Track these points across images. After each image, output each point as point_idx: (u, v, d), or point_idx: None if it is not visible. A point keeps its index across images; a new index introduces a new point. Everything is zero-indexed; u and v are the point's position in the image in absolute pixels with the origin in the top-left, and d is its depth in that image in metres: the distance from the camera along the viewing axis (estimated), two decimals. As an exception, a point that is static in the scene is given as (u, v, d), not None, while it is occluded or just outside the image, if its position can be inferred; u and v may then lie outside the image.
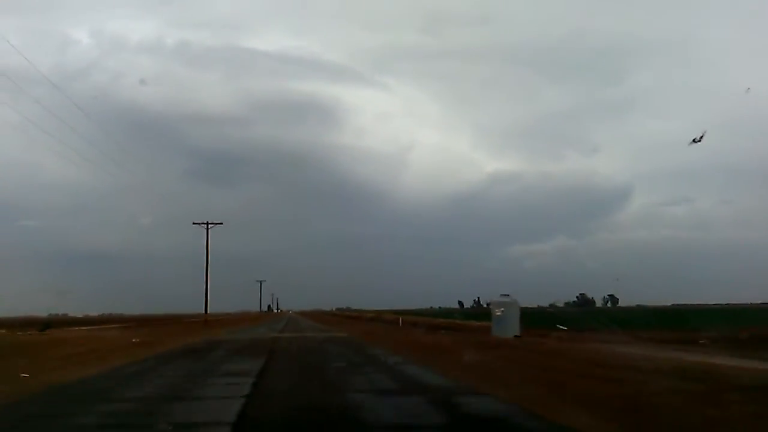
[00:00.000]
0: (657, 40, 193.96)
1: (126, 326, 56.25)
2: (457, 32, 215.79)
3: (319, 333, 40.02)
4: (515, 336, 29.56)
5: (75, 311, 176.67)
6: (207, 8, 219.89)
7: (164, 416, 9.10)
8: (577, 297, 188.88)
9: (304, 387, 12.66)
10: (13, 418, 9.35)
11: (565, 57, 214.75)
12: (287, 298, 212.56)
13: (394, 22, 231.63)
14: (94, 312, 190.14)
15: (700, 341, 26.22)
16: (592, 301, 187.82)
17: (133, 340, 30.70)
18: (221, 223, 59.06)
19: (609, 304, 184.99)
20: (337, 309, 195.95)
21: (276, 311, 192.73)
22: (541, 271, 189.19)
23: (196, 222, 59.02)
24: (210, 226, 58.68)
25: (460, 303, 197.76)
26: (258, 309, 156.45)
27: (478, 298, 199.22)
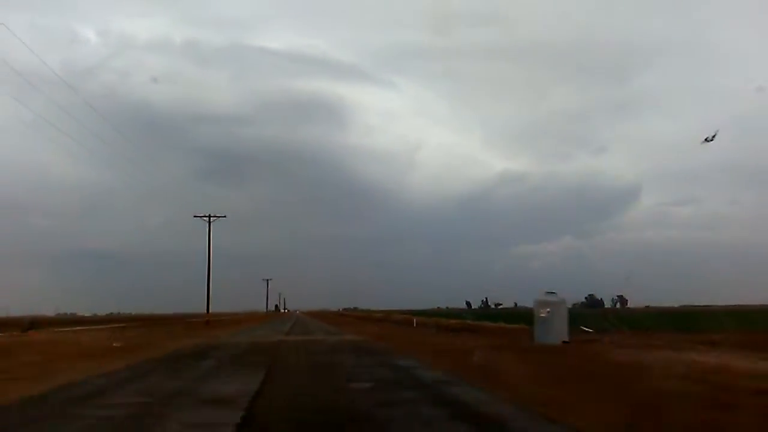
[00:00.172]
0: (666, 40, 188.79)
1: (123, 327, 51.40)
2: (465, 31, 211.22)
3: (329, 335, 34.92)
4: (563, 342, 24.47)
5: (83, 310, 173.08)
6: (215, 7, 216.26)
7: None
8: (585, 298, 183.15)
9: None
10: None
11: (574, 56, 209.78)
12: (294, 298, 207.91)
13: (402, 20, 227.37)
14: (102, 311, 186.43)
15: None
16: (601, 302, 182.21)
17: (114, 344, 25.73)
18: (224, 216, 54.27)
19: (618, 305, 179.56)
20: (344, 309, 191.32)
21: (283, 311, 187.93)
22: (549, 272, 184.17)
23: (197, 215, 54.13)
24: (213, 219, 53.79)
25: (468, 303, 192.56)
26: (266, 308, 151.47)
27: (486, 298, 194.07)
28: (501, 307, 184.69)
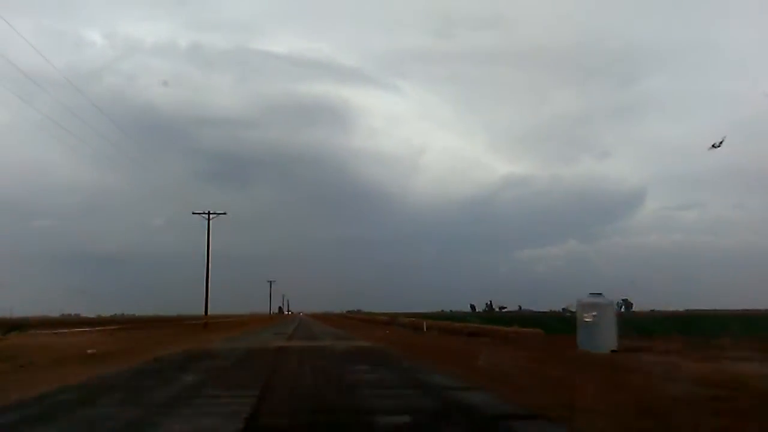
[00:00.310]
0: (670, 44, 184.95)
1: (115, 329, 47.46)
2: (469, 35, 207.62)
3: (338, 341, 30.89)
4: (612, 350, 20.43)
5: (88, 312, 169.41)
6: (219, 10, 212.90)
7: None
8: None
9: None
10: None
11: (578, 60, 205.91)
12: (298, 300, 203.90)
13: (406, 24, 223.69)
14: (107, 313, 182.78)
15: None
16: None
17: (89, 351, 21.76)
18: (224, 213, 50.27)
19: (623, 309, 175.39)
20: (348, 311, 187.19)
21: (287, 313, 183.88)
22: (553, 275, 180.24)
23: (196, 212, 50.18)
24: (212, 216, 49.83)
25: (472, 306, 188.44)
26: (269, 310, 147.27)
27: (491, 301, 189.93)
28: (505, 310, 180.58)
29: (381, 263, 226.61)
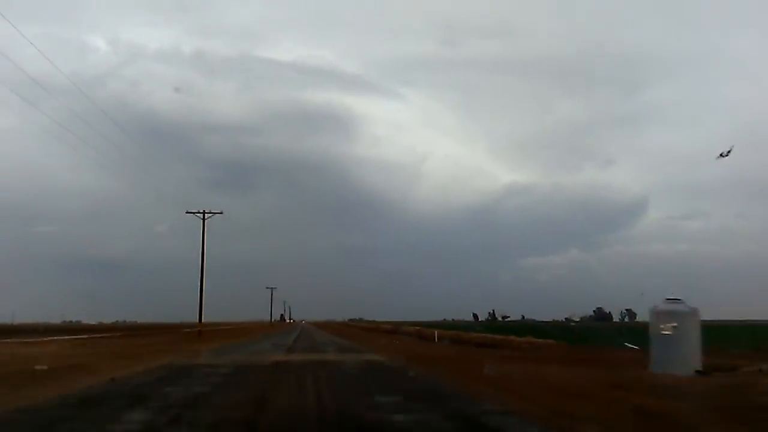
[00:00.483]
0: (674, 53, 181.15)
1: (100, 338, 42.77)
2: (473, 44, 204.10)
3: (344, 353, 26.08)
4: (696, 371, 15.66)
5: (90, 318, 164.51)
6: (223, 18, 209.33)
7: None
8: (594, 311, 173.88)
9: None
10: None
11: (581, 69, 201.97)
12: (300, 308, 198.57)
13: (410, 32, 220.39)
14: (108, 319, 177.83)
15: None
16: (609, 316, 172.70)
17: (37, 366, 16.98)
18: (221, 212, 45.53)
19: (627, 319, 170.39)
20: (350, 320, 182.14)
21: (288, 321, 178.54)
22: (556, 284, 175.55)
23: (190, 211, 45.49)
24: (208, 215, 45.13)
25: (475, 315, 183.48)
26: (270, 318, 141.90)
27: (493, 310, 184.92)
28: (508, 319, 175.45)
29: (383, 271, 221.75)
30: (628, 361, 20.67)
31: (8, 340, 32.46)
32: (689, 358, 15.79)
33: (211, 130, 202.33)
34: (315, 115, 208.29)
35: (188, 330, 53.25)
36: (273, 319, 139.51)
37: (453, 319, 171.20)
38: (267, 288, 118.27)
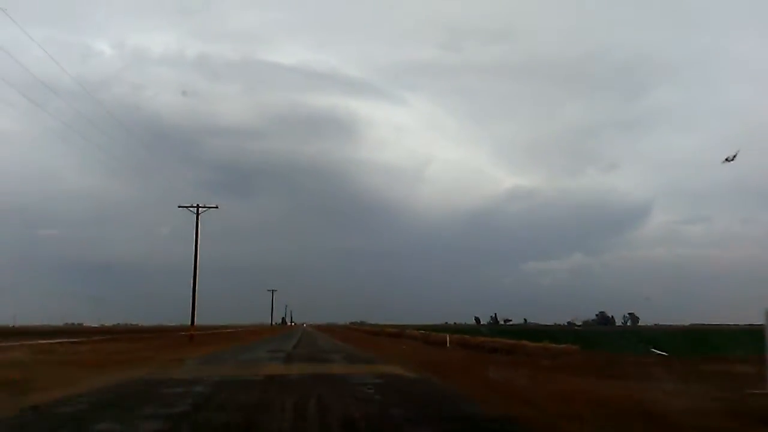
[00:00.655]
0: (678, 57, 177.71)
1: (81, 341, 38.53)
2: (476, 47, 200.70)
3: (353, 364, 21.79)
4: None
5: (91, 321, 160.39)
6: (227, 22, 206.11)
7: None
8: (596, 315, 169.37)
9: None
10: None
11: (585, 73, 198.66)
12: (301, 312, 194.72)
13: (413, 36, 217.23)
14: (110, 322, 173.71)
15: None
16: (612, 320, 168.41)
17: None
18: (216, 207, 41.35)
19: (629, 323, 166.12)
20: (351, 323, 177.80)
21: (290, 324, 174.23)
22: (558, 288, 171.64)
23: (182, 206, 41.32)
24: (201, 209, 40.95)
25: (477, 319, 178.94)
26: (271, 321, 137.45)
27: (495, 314, 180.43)
28: (510, 323, 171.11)
29: (385, 274, 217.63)
30: (672, 372, 16.49)
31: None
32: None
33: (214, 133, 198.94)
34: (318, 119, 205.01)
35: (183, 333, 49.02)
36: (274, 323, 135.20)
37: (455, 323, 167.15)
38: (267, 290, 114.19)
